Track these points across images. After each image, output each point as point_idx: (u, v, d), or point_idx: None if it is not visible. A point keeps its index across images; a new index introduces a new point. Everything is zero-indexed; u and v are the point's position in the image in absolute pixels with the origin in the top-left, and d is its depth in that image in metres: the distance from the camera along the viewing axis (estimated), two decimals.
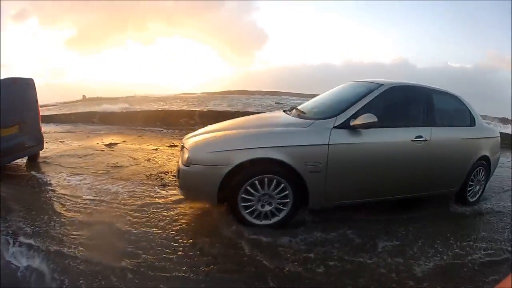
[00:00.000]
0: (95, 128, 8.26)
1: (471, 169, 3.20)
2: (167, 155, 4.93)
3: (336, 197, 2.59)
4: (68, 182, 3.42)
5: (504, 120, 13.77)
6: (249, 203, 2.36)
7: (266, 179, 2.32)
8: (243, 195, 2.33)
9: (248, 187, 2.32)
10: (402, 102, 3.00)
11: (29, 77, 3.76)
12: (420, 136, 2.77)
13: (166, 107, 12.03)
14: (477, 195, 3.47)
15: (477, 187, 3.42)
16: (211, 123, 3.18)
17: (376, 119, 2.42)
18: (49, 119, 9.57)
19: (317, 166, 2.35)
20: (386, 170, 2.68)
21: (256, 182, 2.31)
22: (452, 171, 3.11)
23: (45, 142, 4.40)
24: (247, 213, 2.38)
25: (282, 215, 2.43)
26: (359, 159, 2.53)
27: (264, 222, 2.41)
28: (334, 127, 2.45)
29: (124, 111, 10.96)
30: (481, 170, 3.35)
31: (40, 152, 4.33)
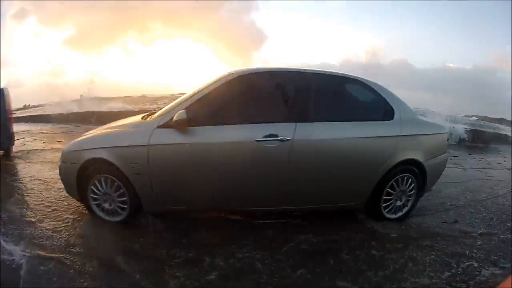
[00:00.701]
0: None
1: (384, 177, 2.43)
2: None
3: (168, 202, 2.33)
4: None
5: (501, 121, 13.76)
6: (97, 202, 2.41)
7: (108, 179, 2.31)
8: (91, 194, 2.38)
9: (95, 185, 2.35)
10: (256, 93, 2.47)
11: (2, 87, 4.54)
12: (274, 135, 2.19)
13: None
14: (403, 210, 2.64)
15: (400, 201, 2.61)
16: None
17: (185, 117, 2.11)
18: (47, 119, 9.54)
19: (139, 167, 2.19)
20: (226, 175, 2.24)
21: (101, 180, 2.33)
22: (345, 180, 2.41)
23: (43, 141, 5.55)
24: (99, 210, 2.42)
25: (120, 217, 2.39)
26: (186, 161, 2.21)
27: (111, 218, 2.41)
28: (158, 127, 2.22)
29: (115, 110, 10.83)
30: (407, 178, 2.54)
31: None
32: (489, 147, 7.96)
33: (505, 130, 10.73)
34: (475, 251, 2.25)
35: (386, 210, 2.58)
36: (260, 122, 2.26)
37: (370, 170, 2.42)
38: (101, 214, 2.42)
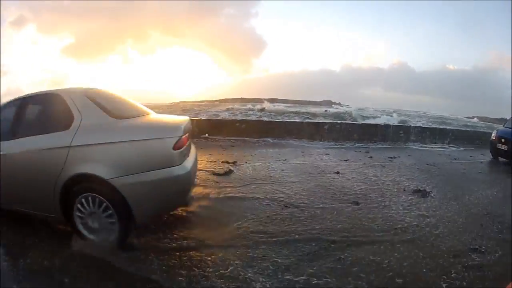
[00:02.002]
0: None
1: (66, 193, 2.13)
2: None
3: None
4: None
5: (502, 121, 13.83)
6: None
7: None
8: None
9: None
10: None
11: None
12: None
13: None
14: (112, 235, 2.12)
15: (100, 223, 2.13)
16: None
17: None
18: None
19: None
20: None
21: None
22: (30, 193, 2.28)
23: None
24: None
25: None
26: None
27: None
28: None
29: None
30: (95, 199, 2.08)
31: None
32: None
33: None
34: None
35: (85, 229, 2.19)
36: None
37: (43, 185, 2.18)
38: None
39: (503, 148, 6.60)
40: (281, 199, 3.25)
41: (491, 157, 6.92)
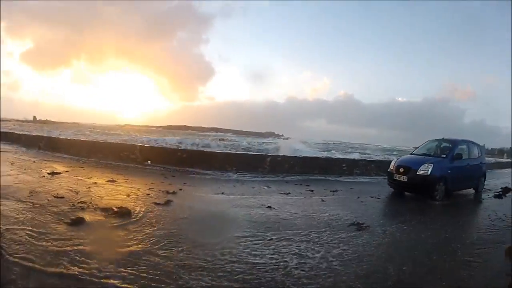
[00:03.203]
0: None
1: None
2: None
3: None
4: None
5: None
6: None
7: None
8: None
9: None
10: None
11: None
12: None
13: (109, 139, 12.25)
14: None
15: None
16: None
17: None
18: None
19: None
20: None
21: None
22: None
23: None
24: None
25: None
26: None
27: None
28: None
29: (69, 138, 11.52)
30: None
31: None
32: None
33: None
34: None
35: None
36: None
37: None
38: None
39: (402, 179, 5.80)
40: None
41: (392, 190, 6.24)
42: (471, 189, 7.02)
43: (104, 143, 11.42)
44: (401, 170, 5.90)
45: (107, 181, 5.45)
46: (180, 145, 16.58)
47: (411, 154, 6.99)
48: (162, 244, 2.67)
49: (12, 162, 6.90)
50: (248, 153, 11.42)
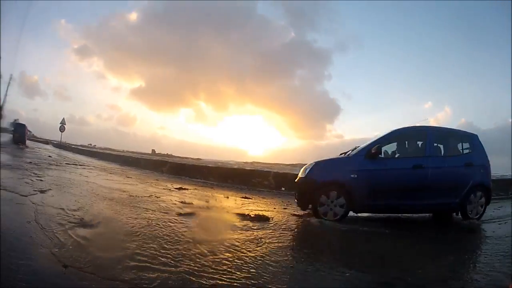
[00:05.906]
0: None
1: None
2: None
3: None
4: None
5: None
6: None
7: None
8: None
9: None
10: None
11: (23, 123, 17.34)
12: None
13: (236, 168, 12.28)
14: None
15: None
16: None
17: None
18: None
19: None
20: None
21: None
22: None
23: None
24: None
25: None
26: None
27: None
28: None
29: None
30: None
31: None
32: None
33: None
34: None
35: None
36: None
37: None
38: None
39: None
40: None
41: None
42: (451, 212, 4.27)
43: (234, 168, 11.01)
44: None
45: (242, 197, 5.70)
46: None
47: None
48: None
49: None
50: None
